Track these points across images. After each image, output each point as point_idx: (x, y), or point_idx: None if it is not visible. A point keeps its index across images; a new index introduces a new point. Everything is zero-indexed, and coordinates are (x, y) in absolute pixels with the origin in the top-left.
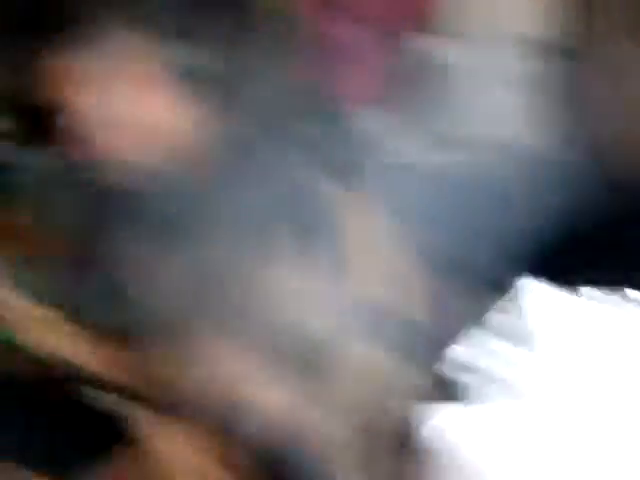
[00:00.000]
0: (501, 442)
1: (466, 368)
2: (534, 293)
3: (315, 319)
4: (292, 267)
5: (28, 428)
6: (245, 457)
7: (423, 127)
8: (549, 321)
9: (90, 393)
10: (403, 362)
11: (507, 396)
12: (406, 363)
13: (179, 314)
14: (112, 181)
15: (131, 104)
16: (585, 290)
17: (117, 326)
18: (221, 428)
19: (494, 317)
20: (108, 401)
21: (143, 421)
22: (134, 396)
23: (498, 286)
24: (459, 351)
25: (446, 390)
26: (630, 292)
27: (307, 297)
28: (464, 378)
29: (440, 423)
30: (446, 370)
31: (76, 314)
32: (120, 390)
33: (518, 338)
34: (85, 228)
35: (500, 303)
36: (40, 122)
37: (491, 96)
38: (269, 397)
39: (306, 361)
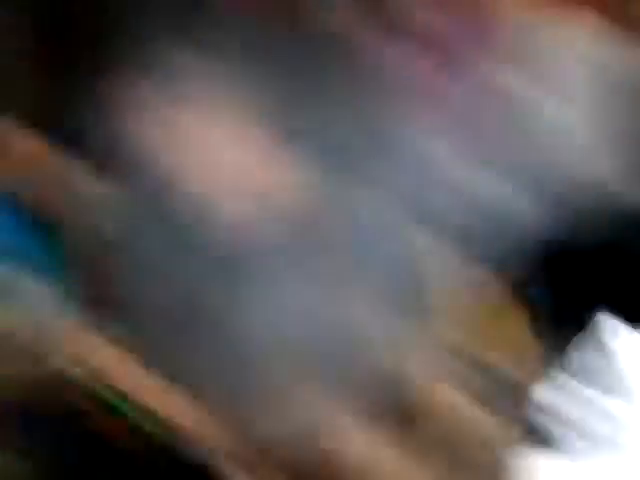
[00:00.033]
0: None
1: (555, 415)
2: (615, 333)
3: (411, 366)
4: (391, 318)
5: None
6: None
7: (494, 157)
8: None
9: (186, 449)
10: (490, 409)
11: (605, 451)
12: (492, 410)
13: (287, 376)
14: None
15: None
16: None
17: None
18: None
19: (576, 357)
20: (203, 456)
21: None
22: (230, 454)
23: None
24: (545, 395)
25: (536, 437)
26: None
27: (403, 345)
28: (553, 426)
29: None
30: (533, 416)
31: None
32: (216, 447)
33: (609, 385)
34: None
35: (579, 341)
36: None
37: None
38: (364, 449)
39: (402, 410)
